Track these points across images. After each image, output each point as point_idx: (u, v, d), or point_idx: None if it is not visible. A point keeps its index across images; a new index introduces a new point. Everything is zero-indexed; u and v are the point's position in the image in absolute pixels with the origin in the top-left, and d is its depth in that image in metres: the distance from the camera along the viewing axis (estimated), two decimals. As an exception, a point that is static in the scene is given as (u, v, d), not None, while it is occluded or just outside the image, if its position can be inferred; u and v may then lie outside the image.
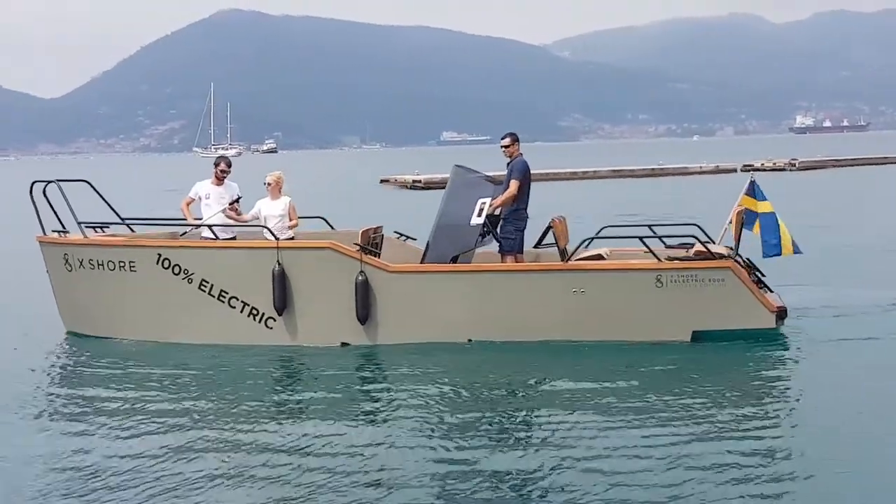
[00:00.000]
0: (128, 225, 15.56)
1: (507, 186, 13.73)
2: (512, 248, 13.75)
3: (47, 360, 13.84)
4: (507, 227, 13.83)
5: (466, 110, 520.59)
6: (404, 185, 61.98)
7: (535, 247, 14.38)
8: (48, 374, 13.04)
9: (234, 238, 14.51)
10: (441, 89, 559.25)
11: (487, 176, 14.42)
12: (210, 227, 14.57)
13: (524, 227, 13.94)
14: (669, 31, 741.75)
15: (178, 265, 14.24)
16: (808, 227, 26.11)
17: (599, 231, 14.09)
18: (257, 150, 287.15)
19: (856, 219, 29.06)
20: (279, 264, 13.74)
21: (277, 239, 13.98)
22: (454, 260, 13.73)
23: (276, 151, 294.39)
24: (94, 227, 15.22)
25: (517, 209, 13.81)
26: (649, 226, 14.20)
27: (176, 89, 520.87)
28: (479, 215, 13.52)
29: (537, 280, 13.19)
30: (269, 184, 14.26)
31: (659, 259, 12.98)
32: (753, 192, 14.03)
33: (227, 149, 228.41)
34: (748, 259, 14.06)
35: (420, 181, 60.87)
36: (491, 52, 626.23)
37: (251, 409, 10.70)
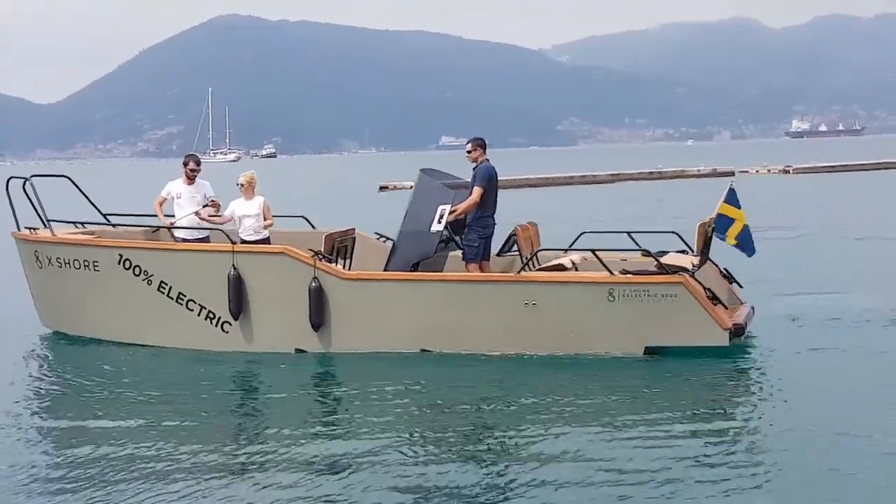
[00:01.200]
0: (110, 223, 15.57)
1: (471, 193, 13.45)
2: (475, 256, 13.48)
3: (13, 357, 13.89)
4: (470, 235, 13.54)
5: (465, 115, 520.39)
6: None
7: (498, 255, 14.19)
8: (12, 372, 12.98)
9: (206, 239, 14.35)
10: (439, 94, 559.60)
11: (456, 181, 14.13)
12: (181, 227, 14.48)
13: (489, 235, 13.64)
14: (668, 36, 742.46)
15: (138, 266, 14.06)
16: (795, 234, 26.58)
17: (577, 238, 14.08)
18: (256, 155, 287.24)
19: (845, 225, 29.23)
20: (234, 268, 13.51)
21: (233, 243, 13.77)
22: (416, 267, 13.52)
23: (275, 156, 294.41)
24: (75, 224, 15.29)
25: (482, 216, 13.50)
26: (628, 233, 14.20)
27: (174, 94, 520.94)
28: (440, 222, 13.30)
29: (489, 291, 12.95)
30: (241, 185, 14.15)
31: (611, 272, 12.75)
32: (731, 199, 13.62)
33: (226, 153, 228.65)
34: (726, 269, 14.01)
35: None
36: (489, 57, 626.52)
37: (194, 420, 10.46)
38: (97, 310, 14.56)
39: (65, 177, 15.86)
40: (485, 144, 13.85)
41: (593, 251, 13.19)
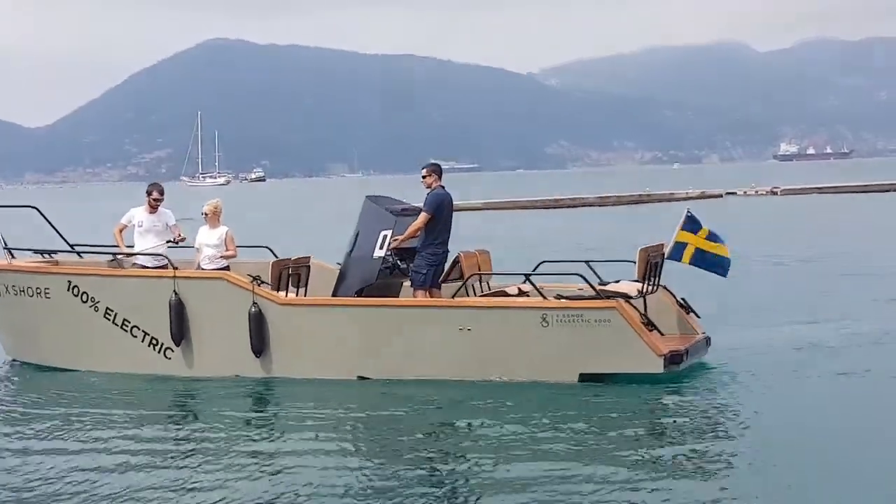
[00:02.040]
0: (74, 251, 15.53)
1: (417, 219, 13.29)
2: (423, 283, 13.29)
3: None
4: (419, 262, 13.37)
5: (453, 138, 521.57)
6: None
7: (443, 282, 13.86)
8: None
9: (164, 267, 14.16)
10: (428, 117, 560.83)
11: (406, 207, 14.02)
12: (141, 254, 14.41)
13: (440, 263, 13.47)
14: (656, 59, 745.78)
15: (85, 293, 14.11)
16: (775, 260, 26.55)
17: (536, 267, 13.96)
18: (245, 179, 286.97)
19: (826, 251, 29.15)
20: (175, 294, 13.53)
21: (175, 269, 13.71)
22: (360, 293, 13.46)
23: (263, 180, 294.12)
24: (42, 253, 15.33)
25: (431, 243, 13.29)
26: (587, 262, 13.99)
27: (163, 118, 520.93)
28: (382, 247, 13.27)
29: (423, 317, 12.81)
30: (205, 213, 14.10)
31: (545, 297, 12.62)
32: (688, 225, 13.52)
33: (215, 177, 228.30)
34: (683, 299, 13.80)
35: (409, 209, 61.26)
36: (478, 80, 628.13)
37: (123, 447, 10.47)
38: (50, 337, 14.60)
39: (32, 207, 15.87)
40: (440, 171, 13.75)
41: (526, 276, 13.22)
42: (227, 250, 14.01)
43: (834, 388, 12.29)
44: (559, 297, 12.60)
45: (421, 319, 12.85)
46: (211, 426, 11.38)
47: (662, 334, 12.81)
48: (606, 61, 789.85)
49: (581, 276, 12.90)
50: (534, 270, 13.71)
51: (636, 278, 13.16)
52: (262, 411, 12.39)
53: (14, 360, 15.41)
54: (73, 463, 9.99)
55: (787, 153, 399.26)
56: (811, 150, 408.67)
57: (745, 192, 71.32)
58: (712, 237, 13.65)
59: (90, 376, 14.04)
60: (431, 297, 13.35)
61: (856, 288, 20.77)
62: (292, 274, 13.55)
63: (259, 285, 13.30)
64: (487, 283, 13.98)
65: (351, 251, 13.66)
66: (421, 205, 13.62)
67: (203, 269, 13.92)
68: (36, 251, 15.50)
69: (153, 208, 14.56)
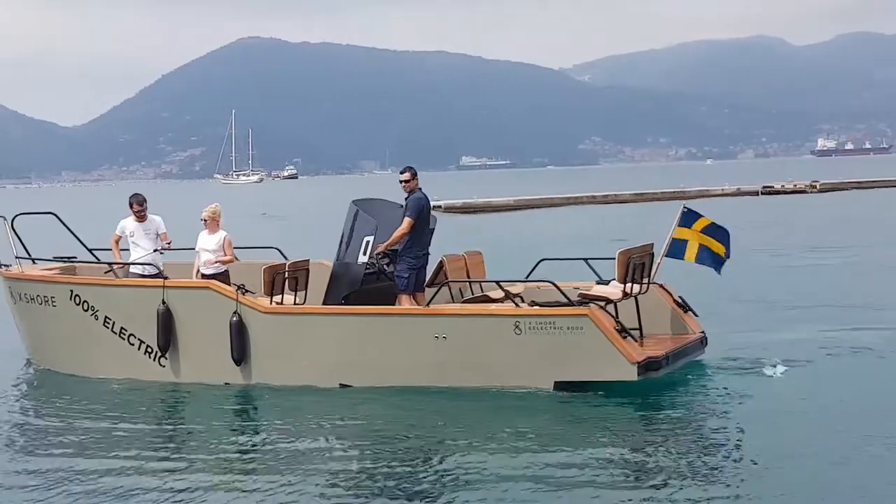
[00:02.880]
0: (97, 258, 15.51)
1: (401, 223, 13.21)
2: (405, 287, 13.24)
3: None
4: (400, 266, 13.33)
5: (486, 134, 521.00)
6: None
7: (428, 285, 13.77)
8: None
9: (158, 274, 14.40)
10: (460, 114, 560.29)
11: (395, 206, 13.84)
12: (131, 263, 14.65)
13: (421, 266, 13.41)
14: (690, 54, 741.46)
15: (86, 301, 14.37)
16: (809, 258, 25.90)
17: (535, 266, 13.80)
18: (278, 177, 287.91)
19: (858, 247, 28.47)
20: (164, 303, 13.72)
21: (164, 277, 13.96)
22: (346, 299, 13.40)
23: (296, 177, 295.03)
24: (62, 260, 15.74)
25: (412, 247, 13.24)
26: (585, 259, 13.86)
27: (197, 116, 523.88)
28: (365, 253, 13.21)
29: (400, 324, 12.79)
30: (204, 219, 14.21)
31: (517, 304, 12.41)
32: (684, 221, 13.42)
33: (248, 175, 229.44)
34: (681, 297, 13.55)
35: (440, 206, 60.79)
36: (510, 77, 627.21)
37: (107, 460, 10.53)
38: (57, 344, 14.98)
39: (51, 213, 16.04)
40: (416, 173, 13.65)
41: (498, 283, 13.13)
42: (224, 255, 14.10)
43: (831, 391, 12.04)
44: (533, 303, 12.47)
45: (397, 327, 12.80)
46: (189, 433, 11.63)
47: (636, 339, 12.45)
48: (640, 56, 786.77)
49: (551, 282, 12.70)
50: (532, 270, 13.55)
51: (616, 281, 12.86)
52: (242, 419, 12.43)
53: (32, 364, 15.69)
54: (73, 474, 10.13)
55: (826, 148, 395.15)
56: (850, 146, 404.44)
57: (782, 187, 70.10)
58: (712, 231, 13.49)
59: (88, 382, 14.29)
60: (415, 301, 13.30)
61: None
62: (290, 278, 13.52)
63: (244, 293, 13.37)
64: (481, 287, 13.79)
65: (338, 257, 13.66)
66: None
67: (202, 273, 14.05)
68: (56, 258, 15.86)
69: (139, 218, 14.74)
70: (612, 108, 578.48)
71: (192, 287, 13.85)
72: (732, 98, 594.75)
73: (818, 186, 69.48)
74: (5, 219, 15.08)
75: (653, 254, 13.20)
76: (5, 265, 15.50)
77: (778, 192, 68.01)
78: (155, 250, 14.59)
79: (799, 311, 17.64)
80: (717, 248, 13.52)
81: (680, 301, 13.58)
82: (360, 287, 13.34)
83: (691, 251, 13.46)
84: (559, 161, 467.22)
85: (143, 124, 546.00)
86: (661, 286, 13.55)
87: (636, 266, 12.90)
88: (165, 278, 14.04)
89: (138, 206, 14.71)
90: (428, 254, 13.52)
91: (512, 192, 74.11)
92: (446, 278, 13.86)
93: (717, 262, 13.58)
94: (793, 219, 43.40)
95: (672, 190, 70.55)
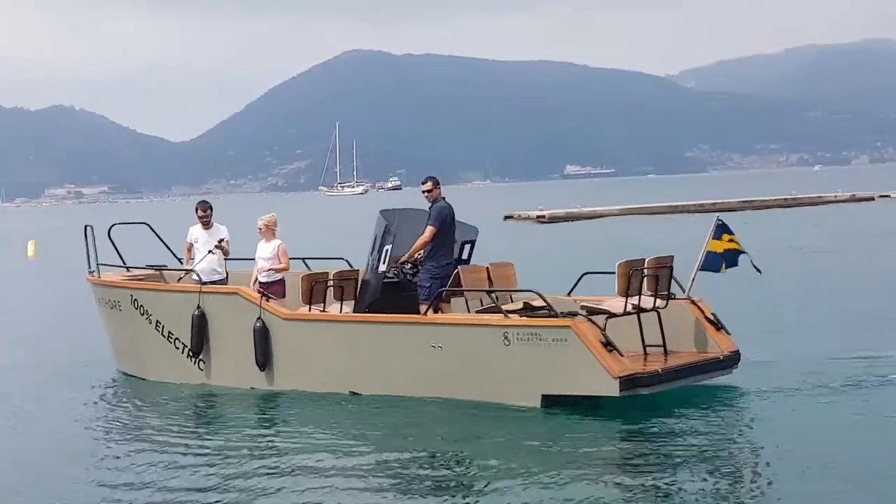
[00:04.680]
0: (183, 263, 16.07)
1: (423, 232, 13.16)
2: (427, 297, 13.05)
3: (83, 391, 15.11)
4: (422, 276, 13.22)
5: (590, 143, 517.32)
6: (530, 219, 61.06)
7: (444, 295, 13.46)
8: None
9: (222, 281, 14.79)
10: (564, 123, 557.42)
11: (418, 214, 13.81)
12: (180, 270, 15.67)
13: (444, 276, 13.15)
14: (800, 59, 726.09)
15: (142, 306, 15.03)
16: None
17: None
18: (382, 188, 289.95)
19: None
20: (199, 308, 14.18)
21: (202, 283, 14.42)
22: (370, 307, 13.34)
23: (400, 188, 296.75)
24: (153, 268, 16.35)
25: (434, 256, 13.10)
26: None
27: (301, 130, 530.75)
28: (384, 262, 13.15)
29: (399, 333, 12.82)
30: (260, 228, 14.50)
31: (505, 315, 12.02)
32: (719, 234, 13.14)
33: (353, 187, 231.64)
34: (714, 314, 12.93)
35: (544, 216, 59.94)
36: (615, 84, 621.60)
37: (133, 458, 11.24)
38: (124, 346, 15.83)
39: (144, 224, 16.77)
40: (439, 182, 13.59)
41: (489, 292, 12.96)
42: (279, 263, 14.32)
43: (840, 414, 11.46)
44: (523, 313, 12.23)
45: (397, 336, 12.86)
46: (209, 435, 12.15)
47: (622, 355, 12.03)
48: (747, 62, 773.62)
49: (536, 292, 12.40)
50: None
51: (617, 294, 12.59)
52: (265, 424, 12.71)
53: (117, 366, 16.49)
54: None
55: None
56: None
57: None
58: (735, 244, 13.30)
59: (143, 383, 15.18)
60: (440, 311, 13.13)
61: None
62: (335, 287, 13.54)
63: (268, 300, 13.64)
64: (510, 297, 13.43)
65: (367, 266, 13.71)
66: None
67: (259, 282, 14.32)
68: (148, 266, 16.40)
69: (204, 225, 15.11)
70: (719, 114, 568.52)
71: (222, 293, 14.29)
72: (844, 103, 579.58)
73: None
74: (91, 227, 15.67)
75: (671, 267, 12.67)
76: (92, 271, 16.09)
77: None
78: (210, 251, 14.92)
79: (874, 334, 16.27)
80: (737, 246, 13.31)
81: (712, 318, 12.85)
82: (379, 296, 13.26)
83: (724, 261, 13.18)
84: (665, 169, 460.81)
85: (249, 138, 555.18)
86: (692, 301, 12.92)
87: (649, 279, 12.42)
88: (203, 283, 14.41)
89: (202, 213, 15.09)
90: (452, 263, 13.29)
91: (615, 201, 72.82)
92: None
93: (737, 256, 13.29)
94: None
95: (783, 197, 68.44)
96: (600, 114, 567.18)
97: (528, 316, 12.26)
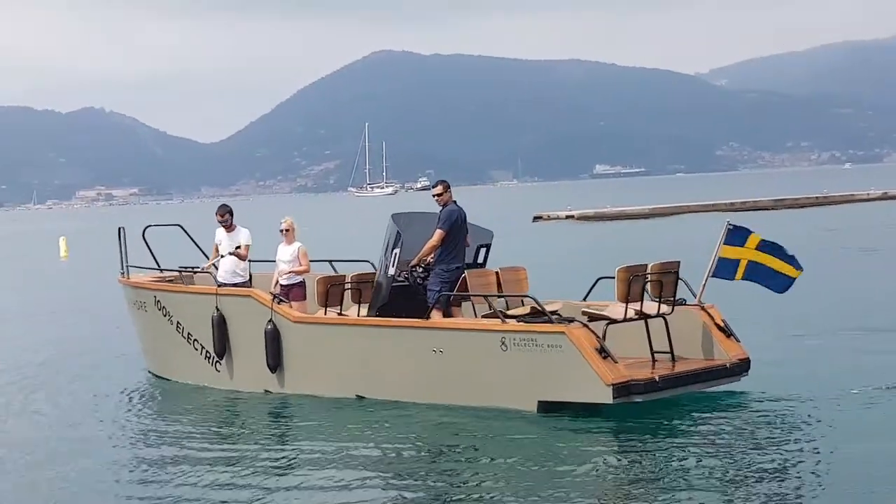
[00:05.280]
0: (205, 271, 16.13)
1: (433, 235, 13.07)
2: (437, 301, 12.89)
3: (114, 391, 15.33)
4: (432, 279, 13.08)
5: (619, 142, 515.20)
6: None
7: (451, 299, 13.41)
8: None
9: (244, 284, 14.75)
10: (593, 122, 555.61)
11: (429, 217, 13.67)
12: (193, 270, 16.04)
13: (454, 280, 12.98)
14: (831, 56, 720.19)
15: (164, 307, 15.16)
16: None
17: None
18: (411, 188, 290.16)
19: None
20: (218, 310, 14.22)
21: (219, 285, 14.55)
22: (381, 311, 13.23)
23: (428, 188, 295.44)
24: (188, 269, 16.41)
25: (444, 260, 12.95)
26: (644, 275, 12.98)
27: (330, 130, 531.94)
28: (393, 266, 13.07)
29: (403, 338, 12.73)
30: (283, 230, 14.53)
31: (503, 320, 11.93)
32: (732, 239, 12.75)
33: (383, 187, 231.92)
34: (724, 321, 12.68)
35: (573, 216, 59.73)
36: (644, 83, 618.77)
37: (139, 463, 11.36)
38: (150, 347, 16.03)
39: (178, 225, 16.87)
40: (450, 186, 13.45)
41: (485, 297, 12.79)
42: (299, 265, 14.31)
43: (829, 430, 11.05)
44: (518, 319, 12.11)
45: (399, 340, 12.80)
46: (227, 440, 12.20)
47: (616, 362, 11.82)
48: (778, 59, 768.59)
49: (533, 297, 12.40)
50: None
51: (617, 299, 12.41)
52: (262, 429, 12.75)
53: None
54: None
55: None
56: None
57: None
58: (767, 248, 12.73)
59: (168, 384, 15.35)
60: (451, 315, 13.04)
61: None
62: (353, 290, 13.55)
63: (279, 303, 13.64)
64: (521, 301, 13.29)
65: (379, 270, 13.72)
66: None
67: (280, 284, 14.32)
68: (181, 268, 16.46)
69: (226, 228, 15.15)
70: (750, 112, 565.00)
71: (236, 295, 14.28)
72: (877, 99, 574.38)
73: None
74: (123, 229, 15.92)
75: (677, 272, 12.45)
76: (123, 273, 16.28)
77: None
78: (222, 256, 15.06)
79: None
80: (780, 266, 12.75)
81: (723, 325, 12.61)
82: (389, 300, 13.10)
83: (741, 269, 12.76)
84: (696, 168, 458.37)
85: (278, 139, 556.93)
86: (703, 307, 12.67)
87: (653, 284, 12.25)
88: (219, 285, 14.48)
89: (220, 217, 15.21)
90: (462, 267, 13.15)
91: (645, 200, 72.39)
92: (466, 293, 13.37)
93: (775, 279, 12.83)
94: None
95: (814, 195, 67.86)
96: (630, 113, 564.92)
97: (526, 321, 12.17)
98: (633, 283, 12.16)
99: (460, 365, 12.32)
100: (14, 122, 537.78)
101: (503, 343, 11.92)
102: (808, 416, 11.56)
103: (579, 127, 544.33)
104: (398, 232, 13.22)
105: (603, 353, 11.63)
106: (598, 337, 11.82)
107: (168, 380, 15.55)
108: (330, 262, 15.97)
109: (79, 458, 11.65)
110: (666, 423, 11.47)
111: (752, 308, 16.97)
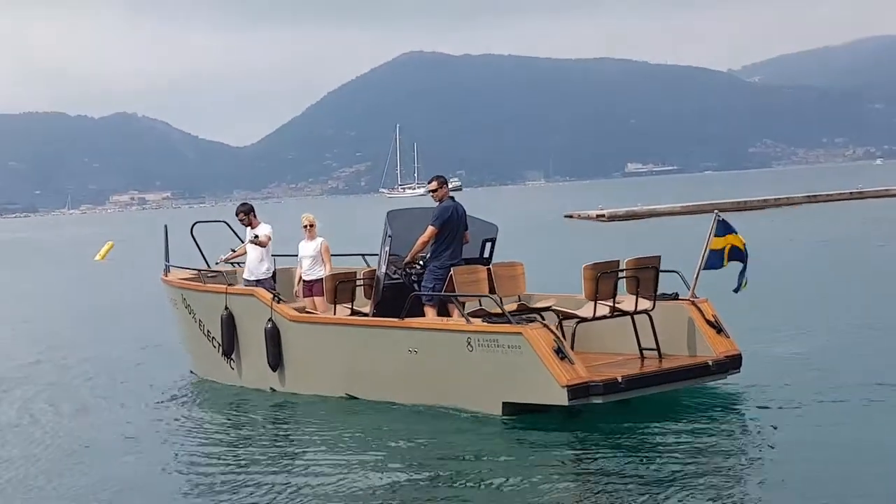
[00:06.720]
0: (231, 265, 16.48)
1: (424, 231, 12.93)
2: (429, 299, 12.72)
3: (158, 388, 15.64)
4: (427, 277, 12.91)
5: (651, 140, 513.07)
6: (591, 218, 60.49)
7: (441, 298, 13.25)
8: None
9: (263, 282, 14.85)
10: (625, 120, 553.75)
11: (419, 218, 13.54)
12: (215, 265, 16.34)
13: (448, 276, 12.72)
14: (866, 50, 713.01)
15: (189, 305, 15.45)
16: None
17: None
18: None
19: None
20: (227, 309, 14.42)
21: (229, 284, 14.85)
22: (377, 308, 13.25)
23: (460, 189, 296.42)
24: (231, 264, 16.45)
25: (437, 257, 12.72)
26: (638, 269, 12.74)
27: (361, 132, 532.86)
28: (384, 264, 12.97)
29: (383, 337, 12.71)
30: (305, 226, 14.68)
31: (468, 320, 11.75)
32: (722, 230, 12.63)
33: (414, 188, 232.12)
34: (715, 317, 12.38)
35: (604, 215, 59.38)
36: (677, 81, 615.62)
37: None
38: (184, 342, 16.36)
39: (223, 222, 17.07)
40: (447, 182, 13.29)
41: (456, 297, 12.62)
42: (322, 261, 14.45)
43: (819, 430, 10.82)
44: (484, 318, 12.14)
45: (383, 340, 12.74)
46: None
47: (573, 363, 11.55)
48: (812, 55, 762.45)
49: (493, 298, 12.30)
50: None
51: (585, 297, 12.26)
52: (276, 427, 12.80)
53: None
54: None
55: None
56: None
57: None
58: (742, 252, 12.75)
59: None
60: (447, 314, 12.88)
61: None
62: (365, 286, 13.52)
63: (279, 301, 13.68)
64: (517, 297, 13.22)
65: (379, 269, 13.68)
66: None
67: (304, 280, 14.51)
68: (203, 270, 16.51)
69: (248, 226, 15.26)
70: (783, 109, 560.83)
71: (241, 294, 14.43)
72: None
73: None
74: (167, 226, 16.65)
75: (657, 268, 12.18)
76: (165, 270, 16.66)
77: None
78: (244, 244, 15.33)
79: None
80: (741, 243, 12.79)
81: (713, 320, 12.25)
82: (384, 297, 13.07)
83: (726, 255, 12.73)
84: (729, 165, 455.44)
85: (309, 141, 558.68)
86: (693, 302, 12.32)
87: (628, 280, 12.15)
88: (229, 284, 14.69)
89: (242, 216, 15.29)
90: (458, 264, 12.94)
91: (677, 198, 71.91)
92: (454, 290, 13.02)
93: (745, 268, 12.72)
94: None
95: (849, 191, 67.13)
96: (662, 111, 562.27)
97: (489, 322, 12.04)
98: (602, 280, 11.92)
99: (431, 365, 12.29)
100: (48, 127, 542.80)
101: (469, 343, 11.80)
102: (797, 415, 11.30)
103: (611, 125, 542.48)
104: (387, 231, 13.18)
105: (560, 353, 11.37)
106: (556, 337, 11.57)
107: (197, 376, 15.96)
108: (363, 255, 16.03)
109: (124, 456, 11.94)
110: (642, 424, 11.28)
111: (754, 304, 16.55)
